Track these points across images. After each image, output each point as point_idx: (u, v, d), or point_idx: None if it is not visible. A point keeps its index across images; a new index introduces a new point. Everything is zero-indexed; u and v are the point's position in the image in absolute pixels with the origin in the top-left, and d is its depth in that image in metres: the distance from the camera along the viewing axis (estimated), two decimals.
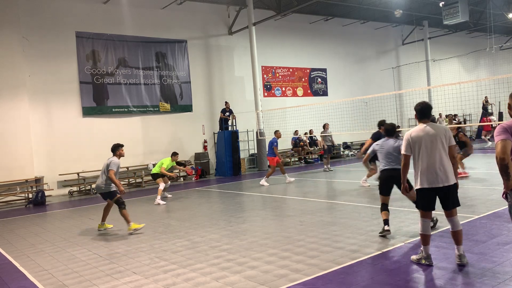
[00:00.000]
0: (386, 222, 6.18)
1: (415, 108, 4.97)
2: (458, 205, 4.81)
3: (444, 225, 6.65)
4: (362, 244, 5.94)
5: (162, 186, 11.69)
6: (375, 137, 10.23)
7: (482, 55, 28.16)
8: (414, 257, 5.07)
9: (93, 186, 15.15)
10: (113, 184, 8.12)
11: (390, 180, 6.29)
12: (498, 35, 28.43)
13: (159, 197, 11.41)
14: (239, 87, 20.09)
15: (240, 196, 11.60)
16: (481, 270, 4.59)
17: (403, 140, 5.00)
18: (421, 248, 4.99)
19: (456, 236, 4.78)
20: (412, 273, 4.70)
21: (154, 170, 12.01)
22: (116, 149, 8.29)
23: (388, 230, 6.14)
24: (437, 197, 4.83)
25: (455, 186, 4.78)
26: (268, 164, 14.31)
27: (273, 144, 13.49)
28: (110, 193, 8.20)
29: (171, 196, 12.52)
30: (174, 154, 12.28)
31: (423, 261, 4.91)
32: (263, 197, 11.13)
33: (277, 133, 13.95)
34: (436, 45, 27.32)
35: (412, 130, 4.93)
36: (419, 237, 5.04)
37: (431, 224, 5.89)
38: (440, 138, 4.78)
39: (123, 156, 8.37)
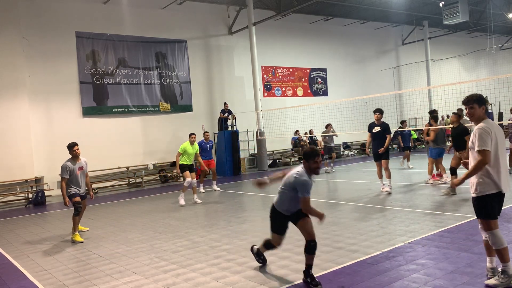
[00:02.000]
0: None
1: (484, 99, 4.31)
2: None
3: (444, 224, 6.65)
4: (362, 244, 5.94)
5: (187, 182, 10.41)
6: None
7: (482, 55, 28.16)
8: (492, 282, 4.16)
9: (94, 186, 15.15)
10: (73, 188, 7.76)
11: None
12: (498, 35, 28.43)
13: (182, 194, 10.55)
14: (239, 87, 20.09)
15: (240, 196, 11.59)
16: (481, 270, 4.59)
17: (481, 133, 4.09)
18: (502, 268, 4.13)
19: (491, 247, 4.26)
20: (412, 273, 4.70)
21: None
22: (70, 149, 7.90)
23: None
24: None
25: None
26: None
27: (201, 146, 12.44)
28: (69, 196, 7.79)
29: (200, 202, 10.83)
30: (190, 135, 10.79)
31: None
32: (263, 197, 11.13)
33: (205, 135, 13.07)
34: (436, 45, 27.32)
35: (486, 123, 4.17)
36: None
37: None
38: (504, 139, 4.27)
39: (79, 155, 7.94)
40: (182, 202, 10.51)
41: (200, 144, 12.44)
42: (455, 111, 10.02)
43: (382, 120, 10.51)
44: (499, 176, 4.12)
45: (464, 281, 4.37)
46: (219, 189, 13.11)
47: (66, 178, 7.68)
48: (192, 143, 10.69)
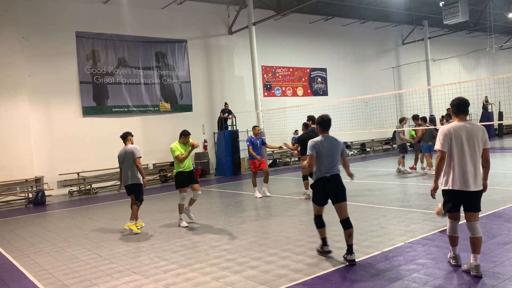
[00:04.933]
0: None
1: (451, 103, 4.68)
2: (479, 210, 4.57)
3: (444, 224, 6.65)
4: (362, 244, 5.93)
5: (181, 199, 8.21)
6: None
7: (482, 55, 28.17)
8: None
9: (93, 186, 15.16)
10: (139, 175, 7.90)
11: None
12: (498, 35, 28.44)
13: (181, 216, 8.26)
14: (239, 87, 20.09)
15: (240, 196, 11.59)
16: (481, 270, 4.59)
17: (440, 135, 4.62)
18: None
19: (474, 242, 4.51)
20: (412, 273, 4.70)
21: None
22: (128, 135, 8.14)
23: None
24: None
25: (482, 191, 4.56)
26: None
27: (247, 144, 10.84)
28: (140, 186, 7.94)
29: (191, 221, 8.43)
30: (182, 135, 8.25)
31: (451, 261, 4.90)
32: (263, 197, 11.11)
33: (254, 129, 11.21)
34: (436, 45, 27.32)
35: (449, 125, 4.64)
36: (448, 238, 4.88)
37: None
38: (477, 138, 4.52)
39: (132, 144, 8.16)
40: (184, 224, 8.12)
41: (249, 140, 10.86)
42: (305, 121, 10.35)
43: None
44: (453, 174, 4.54)
45: (464, 281, 4.37)
46: (270, 194, 11.09)
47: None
48: (184, 143, 8.23)
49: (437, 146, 4.60)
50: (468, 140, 4.49)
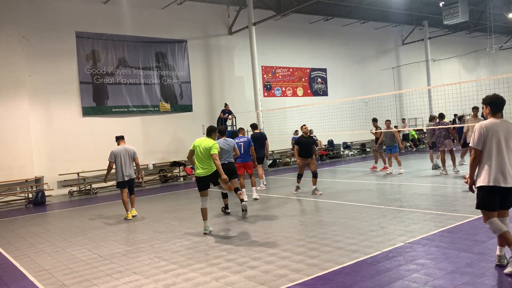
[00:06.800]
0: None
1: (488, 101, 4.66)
2: None
3: (444, 224, 6.65)
4: (362, 244, 5.94)
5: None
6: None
7: (482, 55, 28.18)
8: (509, 270, 4.46)
9: (93, 186, 15.16)
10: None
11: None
12: (498, 35, 28.44)
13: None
14: (239, 87, 20.09)
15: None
16: (481, 270, 4.59)
17: (475, 132, 4.56)
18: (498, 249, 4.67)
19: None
20: (412, 273, 4.70)
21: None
22: (123, 139, 9.99)
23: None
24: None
25: None
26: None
27: (250, 144, 10.65)
28: (134, 180, 9.76)
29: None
30: (213, 131, 7.87)
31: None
32: (263, 197, 11.12)
33: (240, 131, 11.32)
34: (436, 45, 27.33)
35: (484, 122, 4.59)
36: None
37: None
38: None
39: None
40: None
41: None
42: (304, 124, 11.84)
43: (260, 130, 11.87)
44: (489, 170, 4.48)
45: (464, 281, 4.37)
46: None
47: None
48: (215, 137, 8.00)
49: (472, 143, 4.58)
50: (506, 137, 4.48)
